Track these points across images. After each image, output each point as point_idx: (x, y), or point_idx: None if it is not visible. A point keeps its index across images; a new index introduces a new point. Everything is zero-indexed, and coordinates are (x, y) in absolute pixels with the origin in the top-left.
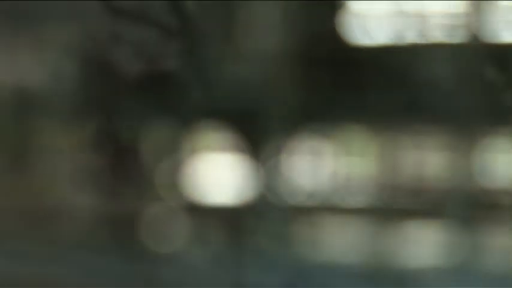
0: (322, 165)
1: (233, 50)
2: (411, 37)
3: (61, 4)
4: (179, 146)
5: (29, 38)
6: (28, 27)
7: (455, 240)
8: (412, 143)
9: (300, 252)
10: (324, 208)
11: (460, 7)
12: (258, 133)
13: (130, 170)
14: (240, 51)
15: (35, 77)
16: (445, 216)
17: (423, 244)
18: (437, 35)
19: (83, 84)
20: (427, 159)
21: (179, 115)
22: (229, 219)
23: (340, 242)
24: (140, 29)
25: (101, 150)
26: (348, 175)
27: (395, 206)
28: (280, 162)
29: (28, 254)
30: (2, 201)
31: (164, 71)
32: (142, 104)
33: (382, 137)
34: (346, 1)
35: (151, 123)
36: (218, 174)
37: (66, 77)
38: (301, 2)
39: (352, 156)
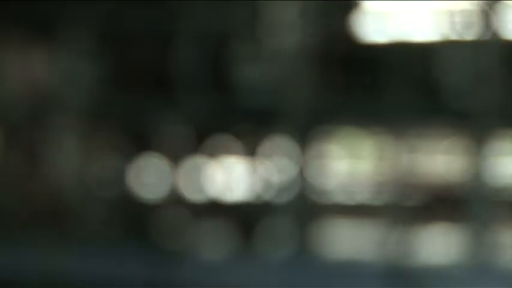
0: (338, 165)
1: (253, 50)
2: (428, 35)
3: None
4: (199, 147)
5: None
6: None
7: (474, 240)
8: (429, 144)
9: (318, 251)
10: (342, 207)
11: (477, 5)
12: (277, 133)
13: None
14: (260, 51)
15: None
16: (464, 216)
17: (441, 244)
18: (455, 33)
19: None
20: (446, 160)
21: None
22: (247, 219)
23: (359, 241)
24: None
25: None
26: (364, 175)
27: (414, 206)
28: (297, 162)
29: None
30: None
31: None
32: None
33: (399, 139)
34: (363, 1)
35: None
36: (236, 174)
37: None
38: (318, 2)
39: (368, 157)
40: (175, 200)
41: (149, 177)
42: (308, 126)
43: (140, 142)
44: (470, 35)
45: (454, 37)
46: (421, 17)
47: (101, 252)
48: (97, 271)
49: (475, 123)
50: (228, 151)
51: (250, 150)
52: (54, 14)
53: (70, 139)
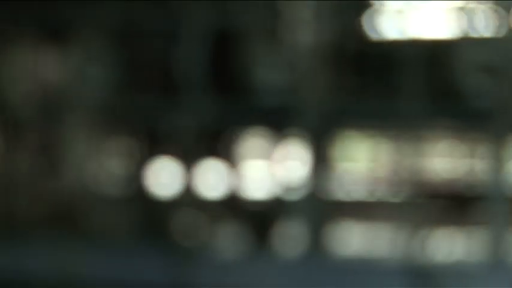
0: (352, 166)
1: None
2: (444, 34)
3: None
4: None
5: None
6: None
7: (491, 240)
8: (445, 146)
9: (333, 250)
10: (357, 206)
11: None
12: (293, 133)
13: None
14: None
15: None
16: (482, 216)
17: (458, 243)
18: (471, 31)
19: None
20: (462, 161)
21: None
22: (262, 218)
23: (375, 240)
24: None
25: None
26: (378, 176)
27: (430, 206)
28: (311, 162)
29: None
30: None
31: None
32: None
33: (414, 140)
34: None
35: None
36: (251, 174)
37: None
38: (332, 2)
39: (383, 158)
40: (191, 200)
41: (164, 177)
42: (323, 126)
43: (155, 143)
44: (486, 33)
45: (470, 35)
46: (436, 15)
47: (118, 252)
48: (113, 271)
49: (493, 124)
50: (243, 151)
51: (265, 151)
52: (67, 15)
53: (85, 139)
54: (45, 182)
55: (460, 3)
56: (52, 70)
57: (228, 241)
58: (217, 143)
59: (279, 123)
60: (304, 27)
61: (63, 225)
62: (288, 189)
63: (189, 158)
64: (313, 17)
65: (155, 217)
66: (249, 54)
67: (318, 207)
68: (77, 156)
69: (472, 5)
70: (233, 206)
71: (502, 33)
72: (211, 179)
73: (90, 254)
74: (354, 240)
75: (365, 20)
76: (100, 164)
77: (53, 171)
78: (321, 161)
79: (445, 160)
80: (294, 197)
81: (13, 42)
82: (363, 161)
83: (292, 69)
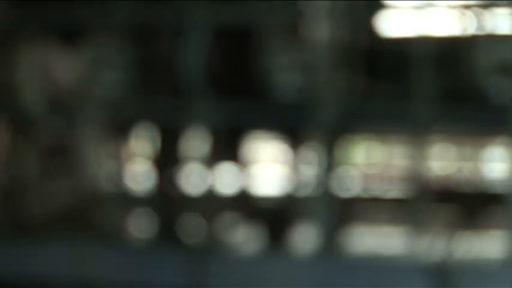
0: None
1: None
2: (468, 31)
3: None
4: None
5: None
6: None
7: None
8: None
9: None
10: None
11: None
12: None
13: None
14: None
15: None
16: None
17: (480, 243)
18: (495, 28)
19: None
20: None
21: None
22: (277, 217)
23: (392, 240)
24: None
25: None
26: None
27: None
28: (331, 160)
29: None
30: None
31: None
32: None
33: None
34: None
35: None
36: (266, 173)
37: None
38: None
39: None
40: (206, 199)
41: (182, 177)
42: (338, 125)
43: (171, 143)
44: (504, 31)
45: (487, 33)
46: (452, 12)
47: (135, 253)
48: (130, 272)
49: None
50: (258, 151)
51: (279, 150)
52: (80, 16)
53: (99, 139)
54: (60, 181)
55: (476, 1)
56: (66, 70)
57: (244, 240)
58: (232, 143)
59: (294, 122)
60: (322, 25)
61: (77, 225)
62: (302, 188)
63: (206, 158)
64: (329, 14)
65: (173, 217)
66: (265, 54)
67: (332, 206)
68: (91, 156)
69: (489, 2)
70: (248, 205)
71: None
72: (228, 179)
73: (106, 255)
74: (367, 239)
75: (380, 18)
76: (116, 164)
77: (67, 172)
78: (335, 161)
79: (460, 162)
80: (308, 196)
81: (27, 42)
82: (374, 161)
83: (310, 68)
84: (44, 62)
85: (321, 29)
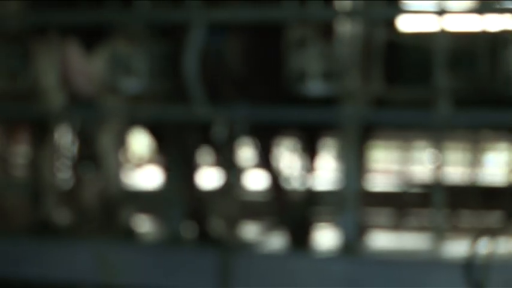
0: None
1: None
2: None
3: None
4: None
5: None
6: None
7: None
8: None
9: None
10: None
11: None
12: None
13: None
14: None
15: None
16: None
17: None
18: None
19: None
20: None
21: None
22: (299, 212)
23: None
24: None
25: None
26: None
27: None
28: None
29: None
30: None
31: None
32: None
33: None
34: None
35: None
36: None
37: None
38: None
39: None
40: (231, 197)
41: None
42: (364, 121)
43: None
44: None
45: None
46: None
47: (160, 253)
48: (154, 272)
49: None
50: (284, 146)
51: (304, 146)
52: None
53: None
54: (85, 183)
55: None
56: (87, 71)
57: (269, 237)
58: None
59: (322, 120)
60: (353, 23)
61: (102, 227)
62: (327, 184)
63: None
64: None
65: (198, 216)
66: (296, 47)
67: (357, 203)
68: (113, 156)
69: None
70: (276, 202)
71: None
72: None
73: (130, 256)
74: (392, 237)
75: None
76: (136, 163)
77: (91, 173)
78: (360, 157)
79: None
80: (333, 192)
81: (48, 43)
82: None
83: (339, 62)
84: (65, 62)
85: (352, 27)
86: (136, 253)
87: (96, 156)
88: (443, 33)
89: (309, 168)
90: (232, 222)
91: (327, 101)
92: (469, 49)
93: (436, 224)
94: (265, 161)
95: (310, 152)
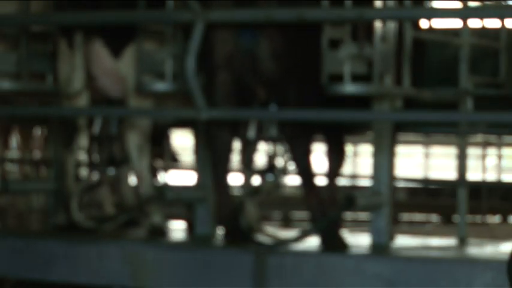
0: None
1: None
2: None
3: None
4: None
5: None
6: None
7: None
8: None
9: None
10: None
11: None
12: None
13: None
14: None
15: None
16: None
17: None
18: None
19: None
20: None
21: None
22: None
23: None
24: None
25: None
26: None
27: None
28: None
29: None
30: None
31: None
32: None
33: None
34: None
35: None
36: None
37: None
38: None
39: None
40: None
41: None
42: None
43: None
44: None
45: None
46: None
47: (197, 254)
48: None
49: None
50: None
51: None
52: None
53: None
54: (113, 183)
55: None
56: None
57: (304, 237)
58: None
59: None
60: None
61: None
62: (359, 183)
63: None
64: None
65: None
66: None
67: (390, 202)
68: (141, 155)
69: None
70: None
71: None
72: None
73: (166, 256)
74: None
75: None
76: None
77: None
78: (393, 156)
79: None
80: (365, 191)
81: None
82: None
83: (376, 62)
84: (92, 63)
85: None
86: (169, 253)
87: (123, 157)
88: (466, 30)
89: (337, 169)
90: (266, 222)
91: (361, 101)
92: (491, 46)
93: (462, 221)
94: (301, 162)
95: (338, 153)
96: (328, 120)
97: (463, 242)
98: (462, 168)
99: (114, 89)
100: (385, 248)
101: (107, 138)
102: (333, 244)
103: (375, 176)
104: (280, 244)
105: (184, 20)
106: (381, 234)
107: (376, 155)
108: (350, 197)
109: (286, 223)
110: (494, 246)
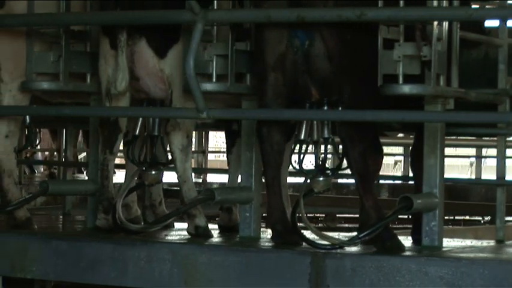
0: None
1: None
2: None
3: None
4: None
5: None
6: None
7: None
8: None
9: None
10: None
11: None
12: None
13: None
14: None
15: None
16: None
17: None
18: None
19: None
20: None
21: None
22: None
23: None
24: None
25: None
26: None
27: None
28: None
29: None
30: None
31: None
32: None
33: None
34: None
35: None
36: None
37: None
38: None
39: None
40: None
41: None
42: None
43: None
44: None
45: None
46: None
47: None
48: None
49: None
50: None
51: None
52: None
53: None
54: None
55: None
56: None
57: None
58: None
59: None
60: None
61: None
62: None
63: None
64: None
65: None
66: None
67: (441, 202)
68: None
69: None
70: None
71: None
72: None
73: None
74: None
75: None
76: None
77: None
78: (443, 157)
79: None
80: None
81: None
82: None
83: (430, 62)
84: (135, 63)
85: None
86: (221, 256)
87: (166, 158)
88: (505, 30)
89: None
90: (323, 222)
91: (414, 101)
92: None
93: (500, 223)
94: (357, 164)
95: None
96: (385, 120)
97: (501, 243)
98: (501, 169)
99: (156, 90)
100: (438, 249)
101: (150, 139)
102: (391, 246)
103: (427, 178)
104: (337, 246)
105: (185, 20)
106: (434, 236)
107: (429, 156)
108: (407, 199)
109: (333, 224)
110: None
